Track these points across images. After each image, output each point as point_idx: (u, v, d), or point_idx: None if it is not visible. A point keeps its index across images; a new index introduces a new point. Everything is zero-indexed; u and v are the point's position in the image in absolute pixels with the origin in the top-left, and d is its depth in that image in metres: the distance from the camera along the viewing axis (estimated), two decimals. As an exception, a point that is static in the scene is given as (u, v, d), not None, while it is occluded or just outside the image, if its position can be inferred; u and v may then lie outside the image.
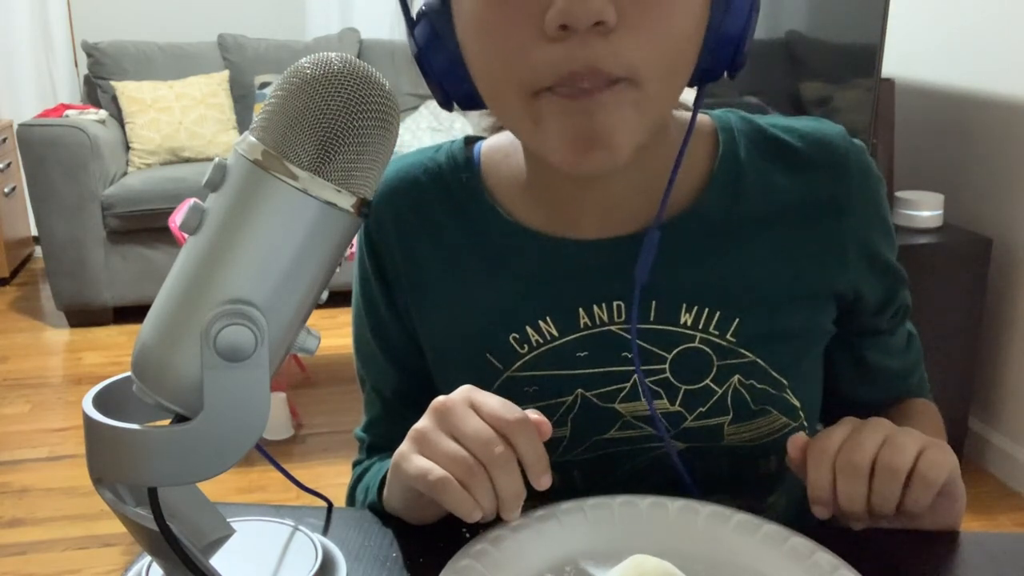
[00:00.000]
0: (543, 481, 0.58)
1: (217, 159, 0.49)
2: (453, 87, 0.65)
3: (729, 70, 0.64)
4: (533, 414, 0.59)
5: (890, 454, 0.60)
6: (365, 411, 0.84)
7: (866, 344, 0.78)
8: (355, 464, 0.83)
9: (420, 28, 0.64)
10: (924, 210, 2.26)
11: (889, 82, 2.27)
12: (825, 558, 0.58)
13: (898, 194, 2.30)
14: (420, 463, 0.58)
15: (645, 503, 0.64)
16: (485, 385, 0.72)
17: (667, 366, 0.70)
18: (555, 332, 0.71)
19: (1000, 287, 2.29)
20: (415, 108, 3.91)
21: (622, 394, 0.71)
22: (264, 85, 3.79)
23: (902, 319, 0.80)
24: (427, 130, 3.76)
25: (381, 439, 0.81)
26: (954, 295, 2.21)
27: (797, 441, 0.64)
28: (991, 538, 0.66)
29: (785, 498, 0.78)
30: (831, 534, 0.62)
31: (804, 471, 0.63)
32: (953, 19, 2.42)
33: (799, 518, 0.81)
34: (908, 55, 2.55)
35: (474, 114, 0.81)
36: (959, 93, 2.40)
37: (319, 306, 0.52)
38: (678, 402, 0.71)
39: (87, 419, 0.50)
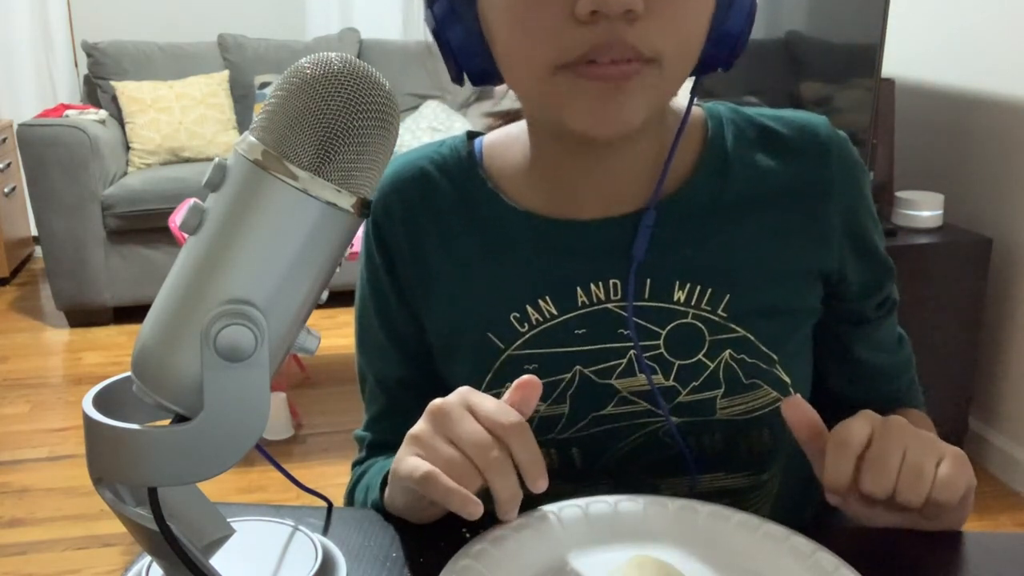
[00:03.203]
0: (539, 484, 0.58)
1: (217, 159, 0.49)
2: (468, 62, 0.67)
3: (725, 63, 0.67)
4: (527, 377, 0.61)
5: (909, 486, 0.59)
6: (367, 409, 0.84)
7: (853, 335, 0.79)
8: (354, 465, 0.83)
9: (439, 3, 0.66)
10: (924, 210, 2.26)
11: (889, 82, 2.27)
12: (826, 558, 0.58)
13: (898, 194, 2.30)
14: (411, 461, 0.59)
15: (645, 503, 0.64)
16: (487, 364, 0.74)
17: (661, 342, 0.73)
18: (554, 311, 0.73)
19: (1000, 287, 2.29)
20: (415, 108, 3.91)
21: (619, 370, 0.73)
22: (264, 85, 3.79)
23: (888, 312, 0.81)
24: (427, 130, 3.76)
25: (385, 434, 0.82)
26: (954, 295, 2.21)
27: (796, 408, 0.64)
28: (991, 538, 0.67)
29: (781, 477, 0.79)
30: (831, 534, 0.62)
31: (804, 440, 0.64)
32: (953, 19, 2.42)
33: (797, 500, 0.81)
34: (908, 55, 2.55)
35: (475, 114, 0.83)
36: (959, 93, 2.40)
37: (319, 306, 0.52)
38: (672, 377, 0.73)
39: (87, 419, 0.50)
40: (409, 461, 0.59)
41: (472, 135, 0.80)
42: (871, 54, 2.07)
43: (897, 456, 0.60)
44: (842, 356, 0.80)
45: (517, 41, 0.63)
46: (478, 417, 0.59)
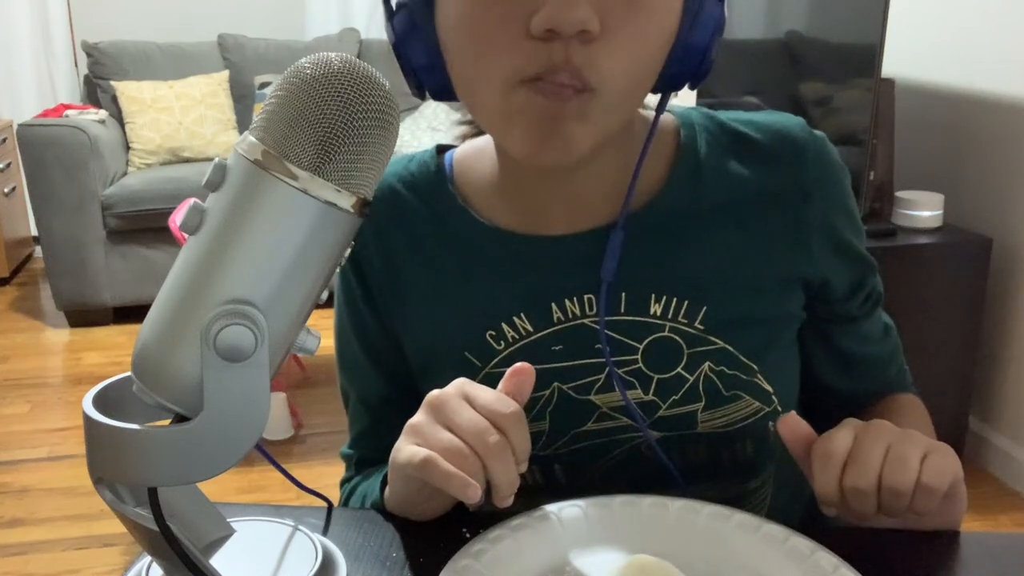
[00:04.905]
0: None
1: (217, 159, 0.49)
2: (428, 78, 0.66)
3: (692, 81, 0.66)
4: (520, 364, 0.61)
5: (894, 473, 0.59)
6: (351, 427, 0.84)
7: (839, 331, 0.79)
8: (343, 483, 0.83)
9: (399, 18, 0.65)
10: (924, 210, 2.26)
11: (889, 82, 2.27)
12: (825, 558, 0.58)
13: (898, 194, 2.30)
14: (410, 448, 0.59)
15: (645, 503, 0.64)
16: None
17: (639, 356, 0.72)
18: (529, 328, 0.73)
19: (1000, 287, 2.29)
20: (415, 108, 3.91)
21: (597, 385, 0.72)
22: (264, 85, 3.79)
23: (873, 306, 0.81)
24: (427, 130, 3.76)
25: (371, 451, 0.81)
26: (954, 295, 2.21)
27: (792, 426, 0.64)
28: (991, 538, 0.67)
29: (773, 482, 0.79)
30: (831, 534, 0.62)
31: (800, 456, 0.64)
32: (953, 19, 2.42)
33: (792, 502, 0.81)
34: (908, 55, 2.55)
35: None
36: (959, 93, 2.40)
37: (319, 306, 0.52)
38: (651, 391, 0.72)
39: (87, 419, 0.50)
40: (408, 449, 0.60)
41: (442, 148, 0.80)
42: (871, 54, 2.07)
43: (880, 449, 0.60)
44: (831, 351, 0.80)
45: (472, 59, 0.62)
46: (475, 406, 0.59)
